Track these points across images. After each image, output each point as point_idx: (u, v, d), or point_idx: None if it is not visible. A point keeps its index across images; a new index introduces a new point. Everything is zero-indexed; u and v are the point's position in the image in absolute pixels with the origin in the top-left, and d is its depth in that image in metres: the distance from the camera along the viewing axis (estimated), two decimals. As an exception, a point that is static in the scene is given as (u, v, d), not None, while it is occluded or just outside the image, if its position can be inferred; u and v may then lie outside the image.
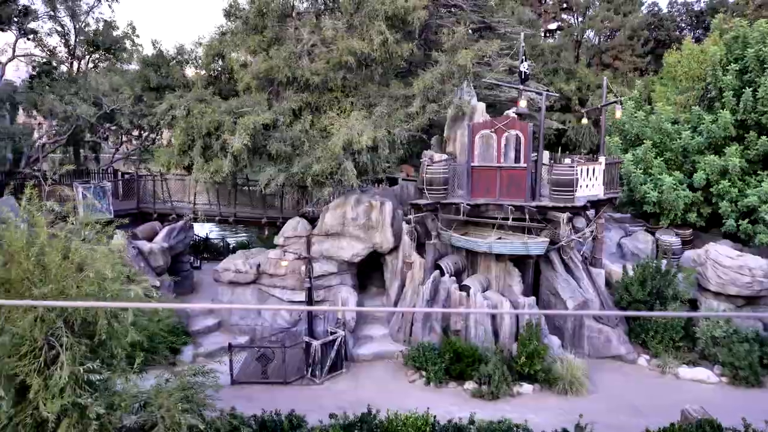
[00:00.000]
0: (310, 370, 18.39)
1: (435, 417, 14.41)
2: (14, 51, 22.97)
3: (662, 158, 23.86)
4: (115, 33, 30.14)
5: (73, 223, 12.31)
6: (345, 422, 14.25)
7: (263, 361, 18.32)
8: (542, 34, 53.16)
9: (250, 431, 13.16)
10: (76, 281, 10.67)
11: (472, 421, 14.53)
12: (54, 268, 10.67)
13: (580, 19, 55.31)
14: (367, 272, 23.08)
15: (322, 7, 21.06)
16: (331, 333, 18.90)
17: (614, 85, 41.84)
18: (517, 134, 18.62)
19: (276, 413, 14.70)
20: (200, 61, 21.43)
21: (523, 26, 27.64)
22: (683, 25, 56.84)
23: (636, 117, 24.24)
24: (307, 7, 21.17)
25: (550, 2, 56.01)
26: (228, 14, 31.51)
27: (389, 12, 20.30)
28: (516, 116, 18.82)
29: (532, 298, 19.26)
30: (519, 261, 20.54)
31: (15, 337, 10.80)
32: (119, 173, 24.91)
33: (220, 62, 21.62)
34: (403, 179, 23.61)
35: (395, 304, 20.85)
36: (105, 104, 20.58)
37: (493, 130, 18.65)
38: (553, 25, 58.19)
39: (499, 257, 20.48)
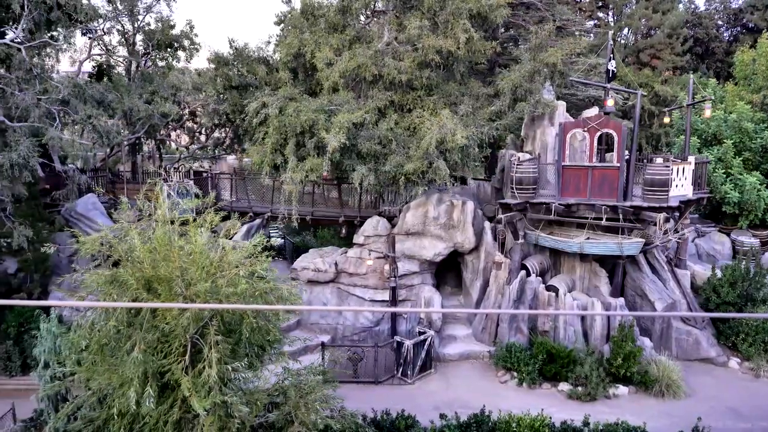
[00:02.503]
0: (400, 369, 18.33)
1: (551, 418, 14.26)
2: (90, 50, 23.17)
3: (740, 158, 23.46)
4: (173, 32, 30.31)
5: (195, 220, 12.36)
6: (458, 422, 14.16)
7: (354, 360, 18.30)
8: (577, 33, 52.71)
9: (373, 431, 13.09)
10: (229, 279, 10.68)
11: (586, 423, 14.36)
12: (206, 267, 10.69)
13: (616, 17, 54.67)
14: (442, 271, 22.97)
15: (404, 5, 20.94)
16: (420, 333, 18.82)
17: (655, 84, 41.41)
18: (610, 133, 18.40)
19: (386, 413, 14.66)
20: (280, 59, 21.40)
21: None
22: (720, 23, 55.99)
23: (714, 116, 23.86)
24: (388, 5, 21.08)
25: (586, 0, 55.47)
26: (281, 20, 31.75)
27: (473, 10, 20.17)
28: (608, 115, 18.58)
29: (622, 300, 19.01)
30: (603, 261, 20.33)
31: (163, 335, 10.86)
32: (191, 171, 25.09)
33: (299, 60, 21.59)
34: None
35: (477, 304, 20.72)
36: (184, 102, 20.68)
37: (585, 129, 18.43)
38: (589, 24, 57.64)
39: (583, 258, 20.27)
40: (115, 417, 10.46)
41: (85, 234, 21.22)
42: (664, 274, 20.35)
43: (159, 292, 10.75)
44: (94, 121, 17.74)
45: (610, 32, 19.02)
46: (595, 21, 58.43)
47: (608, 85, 19.62)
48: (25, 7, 17.30)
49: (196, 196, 15.97)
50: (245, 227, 21.85)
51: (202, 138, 26.51)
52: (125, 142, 22.63)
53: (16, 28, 19.05)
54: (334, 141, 16.85)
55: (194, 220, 12.80)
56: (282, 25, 32.96)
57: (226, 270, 11.13)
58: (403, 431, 13.89)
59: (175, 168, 25.25)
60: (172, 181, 21.30)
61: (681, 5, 53.38)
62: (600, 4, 57.03)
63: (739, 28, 55.31)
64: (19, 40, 17.28)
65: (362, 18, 21.02)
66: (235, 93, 22.21)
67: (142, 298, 10.53)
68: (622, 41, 54.62)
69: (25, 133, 15.93)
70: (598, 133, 18.40)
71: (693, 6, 54.52)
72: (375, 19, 21.76)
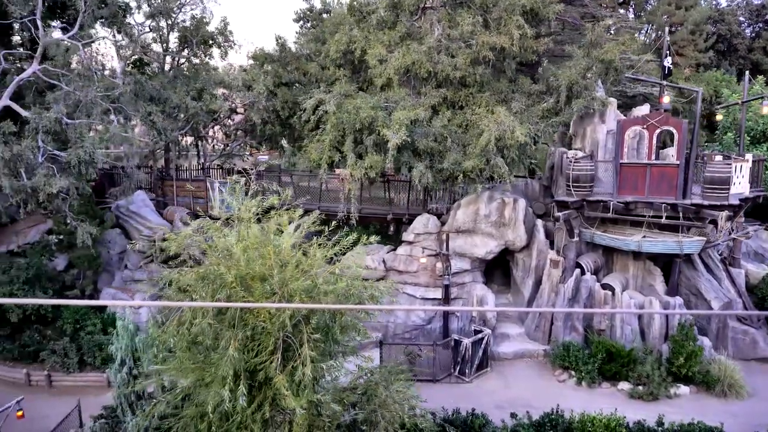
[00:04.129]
0: (458, 368, 18.25)
1: (625, 418, 14.16)
2: (138, 46, 23.13)
3: (789, 155, 23.22)
4: (208, 29, 30.22)
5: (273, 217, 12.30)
6: (531, 421, 14.08)
7: (411, 358, 18.23)
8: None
9: (455, 431, 13.03)
10: (326, 278, 10.63)
11: (660, 423, 14.26)
12: (302, 264, 10.64)
13: (636, 14, 54.23)
14: (488, 269, 22.85)
15: (454, 1, 20.80)
16: (476, 331, 18.74)
17: (679, 81, 41.12)
18: (669, 130, 18.23)
19: (456, 411, 14.60)
20: (328, 56, 21.30)
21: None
22: (742, 19, 55.47)
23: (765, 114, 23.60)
24: (438, 1, 20.93)
25: (608, -3, 55.07)
26: (300, 18, 31.80)
27: (527, 6, 20.01)
28: (667, 112, 18.41)
29: (680, 299, 18.86)
30: (655, 260, 20.18)
31: (254, 333, 10.80)
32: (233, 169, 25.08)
33: (347, 57, 21.48)
34: None
35: (529, 303, 20.62)
36: (232, 100, 20.63)
37: (645, 126, 18.26)
38: (610, 20, 57.24)
39: (636, 256, 20.13)
40: (210, 415, 10.41)
41: (137, 231, 21.33)
42: (718, 273, 20.18)
43: (252, 290, 10.70)
44: (154, 117, 17.72)
45: (666, 28, 18.81)
46: (617, 18, 58.04)
47: (664, 82, 19.46)
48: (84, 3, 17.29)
49: (276, 192, 15.87)
50: (293, 225, 21.77)
51: (240, 135, 26.46)
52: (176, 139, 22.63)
53: (68, 25, 19.05)
54: (395, 138, 16.75)
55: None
56: (301, 22, 33.01)
57: (317, 267, 11.07)
58: (477, 430, 13.83)
59: (218, 165, 25.21)
60: (220, 179, 21.26)
61: (704, 1, 52.91)
62: (621, 0, 56.64)
63: (761, 25, 54.76)
64: (76, 36, 17.26)
65: (414, 15, 20.86)
66: (285, 90, 22.12)
67: (238, 296, 10.47)
68: (643, 38, 54.21)
69: (86, 130, 15.93)
70: (658, 131, 18.23)
71: (715, 2, 54.04)
72: (423, 15, 21.61)
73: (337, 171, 26.02)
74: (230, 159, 30.69)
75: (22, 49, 20.37)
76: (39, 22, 17.57)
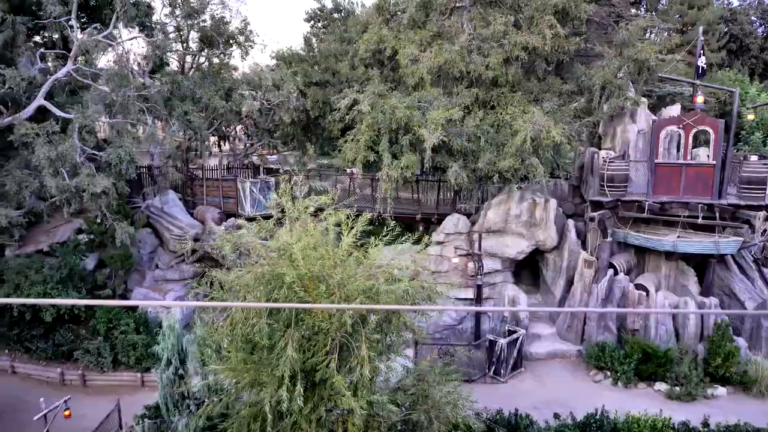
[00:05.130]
0: (492, 368, 18.22)
1: (671, 419, 14.11)
2: (170, 45, 23.18)
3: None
4: (229, 28, 30.19)
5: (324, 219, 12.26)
6: (575, 422, 14.05)
7: (445, 358, 18.19)
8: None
9: (504, 431, 13.00)
10: (386, 278, 10.60)
11: (706, 424, 14.21)
12: (362, 263, 10.62)
13: (648, 13, 54.06)
14: (516, 269, 22.80)
15: (485, 1, 20.74)
16: (510, 331, 18.70)
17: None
18: (706, 130, 18.17)
19: (499, 412, 14.56)
20: (357, 55, 21.27)
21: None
22: (754, 18, 55.28)
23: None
24: (470, 0, 20.87)
25: (618, -4, 54.87)
26: (311, 17, 31.82)
27: (559, 5, 19.95)
28: (704, 112, 18.34)
29: (715, 299, 18.79)
30: (687, 260, 20.11)
31: (312, 333, 10.78)
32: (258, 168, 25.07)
33: (377, 57, 21.46)
34: None
35: (560, 303, 20.57)
36: (262, 99, 20.61)
37: (681, 126, 18.19)
38: (642, 21, 57.10)
39: (668, 256, 20.06)
40: (269, 415, 10.38)
41: (167, 231, 21.31)
42: (751, 273, 20.13)
43: (309, 290, 10.67)
44: (191, 116, 17.70)
45: (701, 28, 18.74)
46: (628, 17, 57.81)
47: (698, 82, 19.40)
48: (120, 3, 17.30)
49: (324, 191, 15.83)
50: (346, 225, 21.79)
51: (264, 135, 26.38)
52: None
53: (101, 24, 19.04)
54: (433, 138, 16.71)
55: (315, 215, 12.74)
56: (311, 21, 33.00)
57: (373, 267, 11.05)
58: (522, 430, 13.79)
59: (244, 165, 25.19)
60: (250, 178, 21.23)
61: (716, 1, 52.73)
62: (633, 0, 56.46)
63: (774, 24, 54.56)
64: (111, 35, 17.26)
65: (445, 14, 20.82)
66: (315, 89, 22.10)
67: (297, 297, 10.44)
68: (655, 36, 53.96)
69: (124, 130, 15.93)
70: (694, 130, 18.17)
71: (727, 2, 53.89)
72: (453, 14, 21.57)
73: (348, 170, 26.02)
74: (246, 159, 30.67)
75: (43, 49, 20.41)
76: (74, 22, 17.57)
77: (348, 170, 24.46)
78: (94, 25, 17.83)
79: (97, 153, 15.77)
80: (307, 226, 11.23)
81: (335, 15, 31.95)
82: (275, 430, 11.19)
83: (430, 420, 11.64)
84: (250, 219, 20.89)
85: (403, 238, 12.62)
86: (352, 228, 11.58)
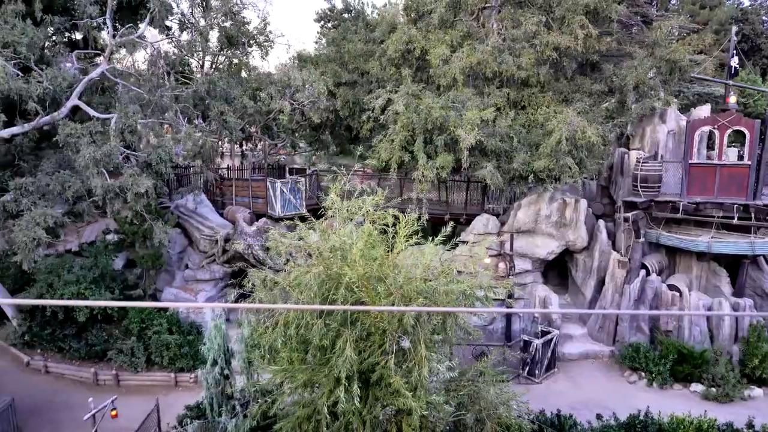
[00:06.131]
0: (527, 368, 18.19)
1: (716, 420, 14.07)
2: (203, 46, 23.19)
3: None
4: (249, 28, 30.14)
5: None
6: (618, 422, 14.02)
7: (478, 358, 18.16)
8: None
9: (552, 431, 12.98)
10: (445, 278, 10.59)
11: (750, 425, 14.16)
12: (423, 264, 10.61)
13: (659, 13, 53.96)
14: (544, 270, 22.77)
15: (515, 1, 20.72)
16: (543, 332, 18.67)
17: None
18: (741, 131, 18.12)
19: (541, 412, 14.54)
20: (385, 56, 21.23)
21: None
22: (765, 18, 55.14)
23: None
24: (500, 0, 20.85)
25: (628, -4, 54.80)
26: (321, 18, 31.76)
27: (591, 5, 19.91)
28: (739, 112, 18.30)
29: (750, 300, 18.74)
30: (720, 261, 20.07)
31: (367, 333, 10.77)
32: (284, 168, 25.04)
33: (406, 57, 21.41)
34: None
35: (591, 303, 20.54)
36: (291, 99, 20.59)
37: (715, 126, 18.15)
38: (673, 21, 57.04)
39: (700, 257, 20.02)
40: (327, 416, 10.38)
41: (197, 231, 21.31)
42: (782, 274, 20.06)
43: (366, 290, 10.66)
44: (226, 116, 17.71)
45: (734, 28, 18.69)
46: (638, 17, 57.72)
47: (730, 82, 19.36)
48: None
49: (370, 192, 15.81)
50: (352, 224, 21.75)
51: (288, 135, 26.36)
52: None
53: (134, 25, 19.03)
54: (470, 138, 16.69)
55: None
56: (321, 22, 32.96)
57: (430, 268, 11.04)
58: (567, 431, 13.77)
59: (269, 165, 25.16)
60: (281, 179, 21.21)
61: (728, 1, 52.62)
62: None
63: (784, 24, 54.43)
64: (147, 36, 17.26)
65: (474, 14, 20.81)
66: (345, 89, 22.09)
67: (355, 297, 10.44)
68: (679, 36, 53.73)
69: (162, 131, 15.95)
70: (729, 131, 18.13)
71: (739, 2, 53.76)
72: (481, 15, 21.55)
73: (356, 167, 25.94)
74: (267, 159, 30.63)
75: (70, 49, 20.38)
76: (108, 22, 17.58)
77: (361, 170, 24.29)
78: (128, 25, 17.85)
79: (135, 153, 15.79)
80: (362, 226, 11.21)
81: (345, 15, 31.95)
82: (329, 431, 11.19)
83: (482, 420, 11.63)
84: (279, 219, 20.96)
85: (443, 238, 12.62)
86: (407, 228, 11.53)
